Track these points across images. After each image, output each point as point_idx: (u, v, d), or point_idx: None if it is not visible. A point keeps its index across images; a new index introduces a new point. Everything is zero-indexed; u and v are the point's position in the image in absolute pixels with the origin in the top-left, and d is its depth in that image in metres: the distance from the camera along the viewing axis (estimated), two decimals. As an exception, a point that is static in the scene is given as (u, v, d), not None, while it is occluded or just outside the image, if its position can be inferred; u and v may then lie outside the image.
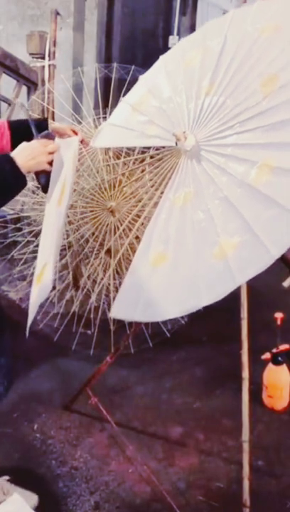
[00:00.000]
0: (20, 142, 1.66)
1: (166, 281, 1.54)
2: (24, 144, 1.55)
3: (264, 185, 1.44)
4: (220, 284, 1.42)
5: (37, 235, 2.98)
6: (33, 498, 1.90)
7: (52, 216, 1.64)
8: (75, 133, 1.82)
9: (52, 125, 1.76)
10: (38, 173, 1.62)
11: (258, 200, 1.44)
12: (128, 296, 1.62)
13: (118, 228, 2.40)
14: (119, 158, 2.43)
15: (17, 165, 1.48)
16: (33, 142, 1.57)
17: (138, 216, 2.25)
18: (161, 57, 2.03)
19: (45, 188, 1.65)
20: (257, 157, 1.49)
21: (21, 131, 1.68)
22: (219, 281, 1.42)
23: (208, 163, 1.61)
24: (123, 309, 1.61)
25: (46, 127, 1.73)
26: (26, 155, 1.51)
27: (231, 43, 1.77)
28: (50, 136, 1.64)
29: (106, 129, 2.01)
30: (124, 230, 2.39)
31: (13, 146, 1.68)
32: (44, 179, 1.62)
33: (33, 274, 2.97)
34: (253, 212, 1.43)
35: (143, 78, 2.04)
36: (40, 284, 1.52)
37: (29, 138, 1.71)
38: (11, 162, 1.48)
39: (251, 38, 1.71)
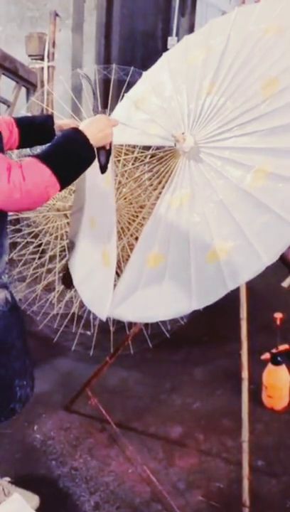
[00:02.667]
0: (28, 139, 1.65)
1: (159, 282, 1.54)
2: (90, 118, 1.55)
3: (259, 191, 1.43)
4: (212, 288, 1.42)
5: (36, 236, 2.99)
6: (34, 499, 1.91)
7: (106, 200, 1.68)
8: None
9: (58, 121, 1.77)
10: (98, 150, 1.57)
11: (252, 205, 1.43)
12: (123, 295, 1.62)
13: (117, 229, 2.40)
14: (118, 156, 2.43)
15: (88, 137, 1.47)
16: (99, 116, 1.57)
17: (137, 216, 2.25)
18: (165, 54, 2.03)
19: (104, 168, 1.60)
20: (253, 162, 1.48)
21: (29, 129, 1.67)
22: (211, 285, 1.42)
23: (206, 166, 1.61)
24: (117, 309, 1.61)
25: (52, 124, 1.73)
26: (94, 127, 1.50)
27: (234, 43, 1.76)
28: (98, 112, 1.62)
29: None
30: (123, 231, 2.39)
31: (21, 143, 1.69)
32: (104, 157, 1.59)
33: (32, 275, 2.98)
34: (247, 217, 1.43)
35: (146, 75, 2.04)
36: (110, 267, 1.62)
37: (37, 135, 1.70)
38: (82, 134, 1.47)
39: (254, 38, 1.70)
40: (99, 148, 1.56)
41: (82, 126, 1.50)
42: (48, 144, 1.49)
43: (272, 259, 1.35)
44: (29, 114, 3.36)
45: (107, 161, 1.60)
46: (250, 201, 1.44)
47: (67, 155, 1.44)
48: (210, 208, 1.53)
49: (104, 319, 1.66)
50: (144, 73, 2.05)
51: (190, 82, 1.82)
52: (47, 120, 1.74)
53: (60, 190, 1.43)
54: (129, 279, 1.63)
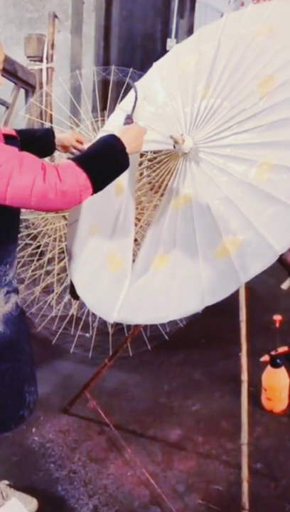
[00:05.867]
0: (28, 151, 1.65)
1: (168, 283, 1.54)
2: (125, 127, 1.56)
3: (265, 183, 1.44)
4: (223, 283, 1.41)
5: (35, 237, 2.98)
6: (32, 502, 1.90)
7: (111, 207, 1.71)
8: (80, 143, 1.80)
9: (58, 135, 1.76)
10: None
11: (259, 197, 1.44)
12: (129, 299, 1.62)
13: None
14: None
15: (125, 145, 1.47)
16: (134, 124, 1.58)
17: (138, 220, 2.25)
18: (155, 64, 2.03)
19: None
20: (256, 156, 1.49)
21: (29, 141, 1.67)
22: (223, 280, 1.42)
23: (207, 165, 1.61)
24: (125, 313, 1.61)
25: (52, 137, 1.73)
26: (130, 136, 1.51)
27: (225, 47, 1.77)
28: (130, 120, 1.63)
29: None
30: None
31: None
32: None
33: (30, 277, 2.97)
34: (254, 210, 1.43)
35: (137, 85, 2.03)
36: (120, 271, 1.63)
37: (37, 148, 1.69)
38: (120, 142, 1.47)
39: (245, 40, 1.72)
40: None
41: (119, 134, 1.50)
42: (86, 148, 1.49)
43: (284, 248, 1.35)
44: (28, 116, 3.36)
45: None
46: (256, 194, 1.45)
47: (104, 161, 1.44)
48: (215, 205, 1.53)
49: (112, 321, 1.65)
50: (135, 84, 2.05)
51: (183, 87, 1.83)
52: (48, 133, 1.73)
53: (92, 195, 1.43)
54: (134, 282, 1.63)
